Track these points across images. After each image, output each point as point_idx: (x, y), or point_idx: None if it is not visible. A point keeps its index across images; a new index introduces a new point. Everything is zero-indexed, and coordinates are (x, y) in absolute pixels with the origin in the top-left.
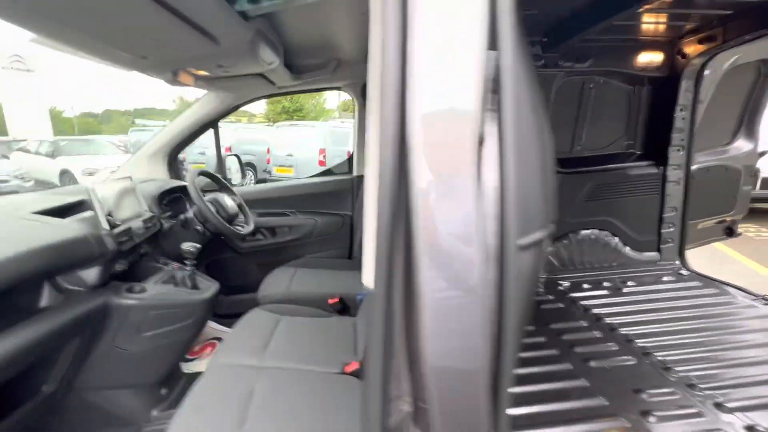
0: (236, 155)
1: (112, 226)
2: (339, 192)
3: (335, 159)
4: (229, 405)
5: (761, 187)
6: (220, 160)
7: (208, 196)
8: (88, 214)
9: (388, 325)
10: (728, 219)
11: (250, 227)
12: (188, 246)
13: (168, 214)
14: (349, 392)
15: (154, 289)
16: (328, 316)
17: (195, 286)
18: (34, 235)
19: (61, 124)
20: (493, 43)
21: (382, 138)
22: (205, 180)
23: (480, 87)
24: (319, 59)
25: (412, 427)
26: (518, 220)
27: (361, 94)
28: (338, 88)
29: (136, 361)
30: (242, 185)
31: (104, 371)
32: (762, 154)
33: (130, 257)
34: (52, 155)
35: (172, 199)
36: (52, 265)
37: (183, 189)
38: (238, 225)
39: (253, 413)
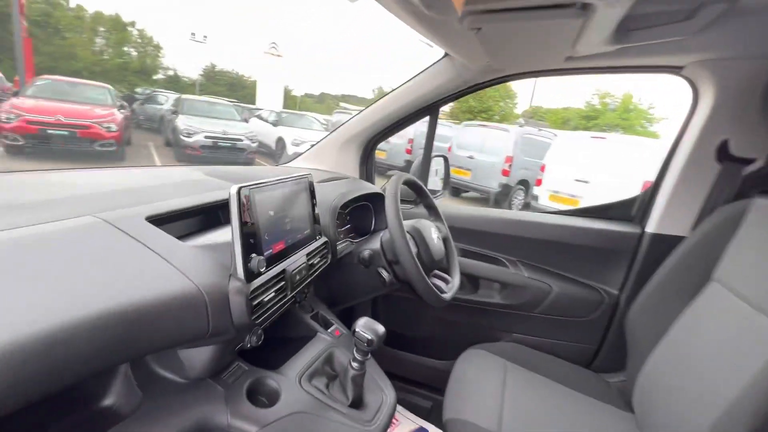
0: (444, 156)
1: (251, 275)
2: (607, 250)
3: (520, 171)
4: None
5: None
6: (427, 160)
7: (408, 223)
8: (221, 236)
9: None
10: None
11: (455, 285)
12: (367, 331)
13: (345, 228)
14: None
15: (290, 395)
16: None
17: (360, 399)
18: (123, 278)
19: (287, 100)
20: None
21: None
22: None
23: None
24: (678, 4)
25: None
26: None
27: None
28: (676, 69)
29: None
30: (437, 195)
31: None
32: None
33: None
34: (274, 124)
35: (352, 209)
36: (138, 341)
37: (371, 197)
38: (439, 277)
39: None
